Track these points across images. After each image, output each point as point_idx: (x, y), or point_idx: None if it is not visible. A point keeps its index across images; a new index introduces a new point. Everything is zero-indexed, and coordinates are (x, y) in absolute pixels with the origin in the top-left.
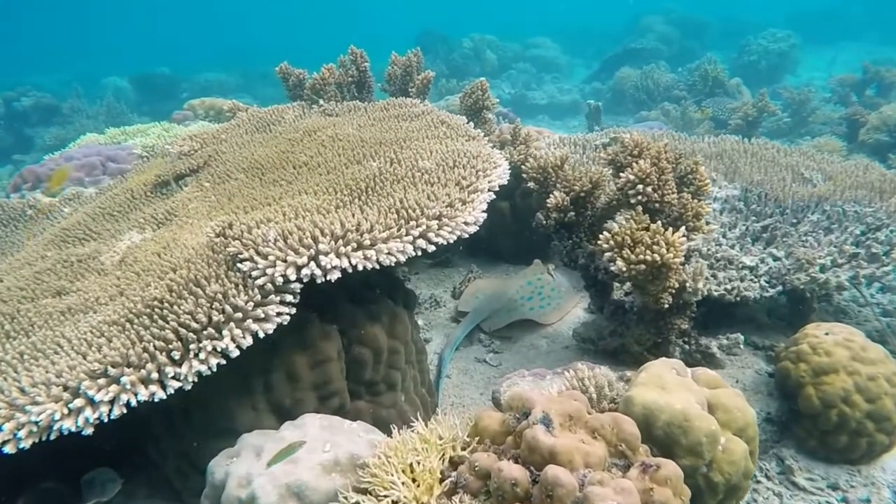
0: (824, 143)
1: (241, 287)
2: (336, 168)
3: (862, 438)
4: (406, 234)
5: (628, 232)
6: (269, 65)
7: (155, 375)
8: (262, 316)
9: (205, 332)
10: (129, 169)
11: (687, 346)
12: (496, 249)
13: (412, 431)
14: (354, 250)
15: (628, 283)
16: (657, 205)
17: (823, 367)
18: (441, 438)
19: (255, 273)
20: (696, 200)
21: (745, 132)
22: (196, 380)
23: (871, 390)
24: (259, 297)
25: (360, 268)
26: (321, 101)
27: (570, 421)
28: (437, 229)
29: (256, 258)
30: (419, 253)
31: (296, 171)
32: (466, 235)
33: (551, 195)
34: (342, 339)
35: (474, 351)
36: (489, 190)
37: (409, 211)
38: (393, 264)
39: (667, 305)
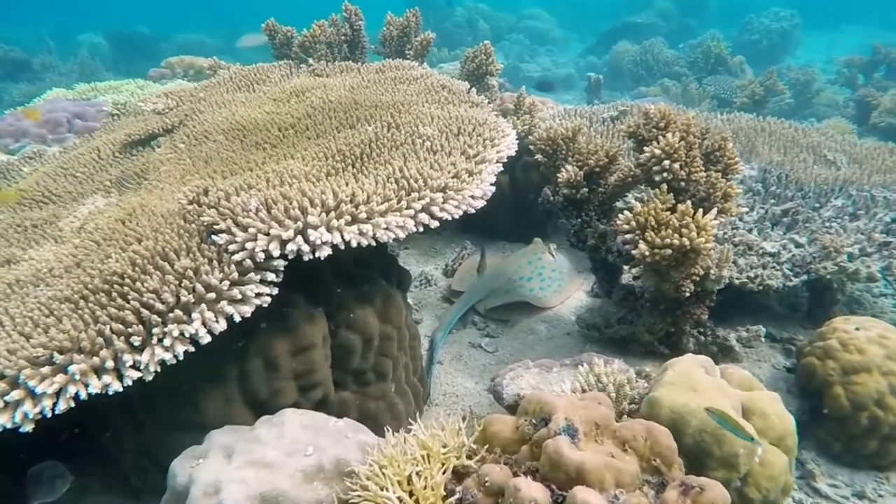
0: (834, 125)
1: (215, 263)
2: (327, 132)
3: (894, 444)
4: (407, 208)
5: (653, 213)
6: (254, 27)
7: (110, 364)
8: (239, 297)
9: (171, 315)
10: (98, 127)
11: (703, 338)
12: (492, 225)
13: (411, 436)
14: (348, 224)
15: (637, 268)
16: (682, 183)
17: (854, 365)
18: (445, 447)
19: (232, 247)
20: (724, 180)
21: (751, 112)
22: (159, 369)
23: None
24: (236, 274)
25: (354, 244)
26: (310, 61)
27: (597, 430)
28: (442, 203)
29: (235, 230)
30: (420, 228)
31: (281, 133)
32: (473, 210)
33: (562, 169)
34: (328, 322)
35: (468, 335)
36: (498, 161)
37: (411, 181)
38: (391, 240)
39: (688, 294)
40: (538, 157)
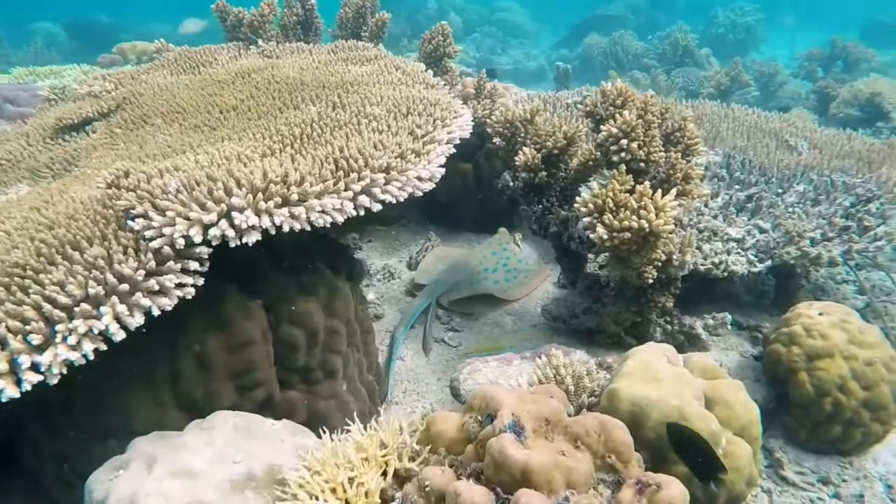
0: (797, 116)
1: (130, 251)
2: (269, 113)
3: (857, 429)
4: (345, 189)
5: (610, 194)
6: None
7: (4, 367)
8: (157, 288)
9: (78, 309)
10: (34, 113)
11: (669, 327)
12: (457, 216)
13: (347, 437)
14: (278, 207)
15: (604, 255)
16: (642, 164)
17: (818, 350)
18: (384, 447)
19: (149, 233)
20: (685, 160)
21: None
22: (64, 371)
23: (867, 377)
24: (153, 263)
25: (286, 228)
26: (260, 42)
27: (547, 426)
28: (384, 184)
29: (151, 214)
30: (361, 212)
31: (222, 115)
32: (420, 193)
33: (520, 152)
34: (269, 316)
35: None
36: (449, 142)
37: (350, 161)
38: (328, 225)
39: (651, 280)
40: (496, 140)
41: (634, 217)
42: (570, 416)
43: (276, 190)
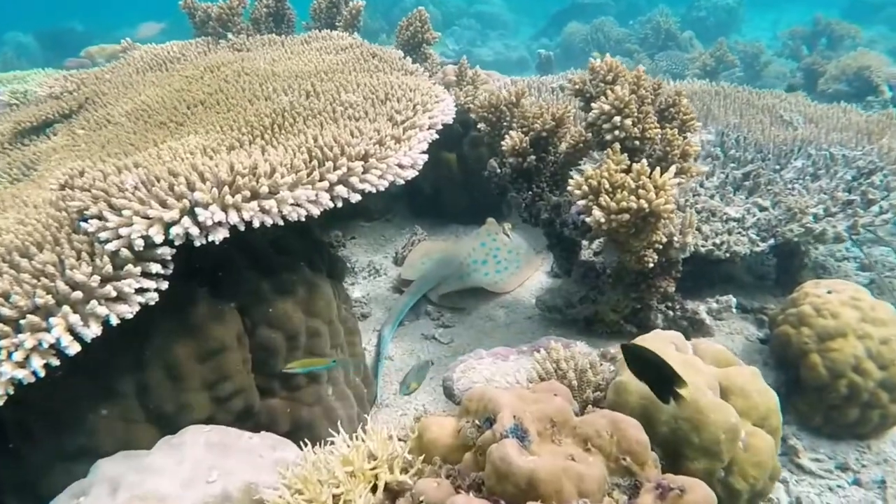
0: (793, 96)
1: (85, 255)
2: (238, 105)
3: (874, 411)
4: (320, 180)
5: (606, 175)
6: None
7: None
8: (115, 294)
9: (24, 322)
10: None
11: (671, 313)
12: (443, 208)
13: (332, 449)
14: (247, 200)
15: (597, 241)
16: (637, 142)
17: (830, 330)
18: (373, 458)
19: (104, 235)
20: (681, 137)
21: None
22: (11, 391)
23: (883, 356)
24: (110, 268)
25: (257, 224)
26: (230, 35)
27: (553, 428)
28: (363, 173)
29: (107, 214)
30: (339, 204)
31: (189, 111)
32: (402, 181)
33: (507, 137)
34: (244, 319)
35: (421, 326)
36: (430, 127)
37: (325, 150)
38: (302, 219)
39: (651, 265)
40: (481, 126)
41: (633, 197)
42: (576, 414)
43: (243, 183)
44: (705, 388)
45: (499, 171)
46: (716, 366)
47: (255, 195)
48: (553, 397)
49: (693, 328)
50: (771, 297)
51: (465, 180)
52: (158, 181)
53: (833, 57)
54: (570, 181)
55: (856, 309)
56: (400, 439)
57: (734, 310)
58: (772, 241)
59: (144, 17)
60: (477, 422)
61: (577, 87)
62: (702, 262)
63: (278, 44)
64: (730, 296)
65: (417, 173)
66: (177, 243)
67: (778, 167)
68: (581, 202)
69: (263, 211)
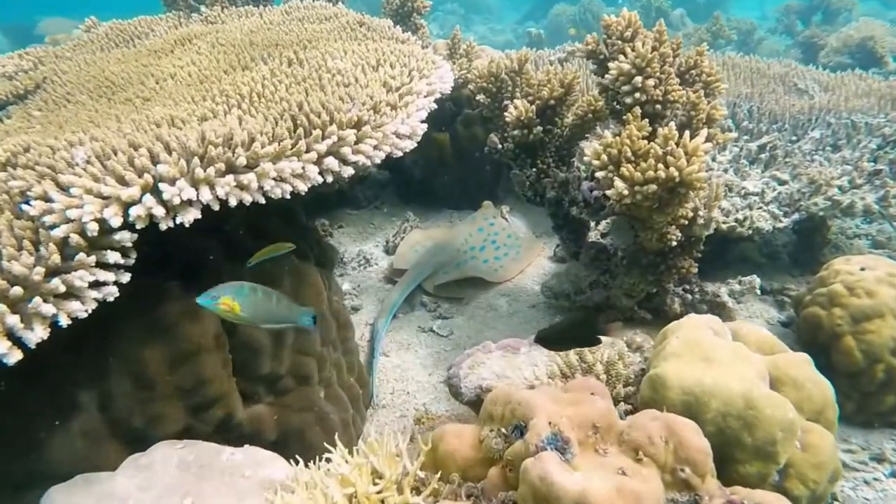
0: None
1: (27, 244)
2: (212, 77)
3: None
4: (307, 151)
5: (628, 141)
6: None
7: None
8: (63, 290)
9: None
10: None
11: (689, 296)
12: (435, 192)
13: (328, 466)
14: (221, 175)
15: (605, 222)
16: (658, 106)
17: (866, 311)
18: (379, 477)
19: (49, 218)
20: (707, 100)
21: None
22: None
23: None
24: (57, 258)
25: (234, 202)
26: (203, 8)
27: (596, 435)
28: (356, 143)
29: (52, 194)
30: (328, 178)
31: (158, 85)
32: (399, 153)
33: (511, 107)
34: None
35: (417, 318)
36: (429, 94)
37: (312, 117)
38: (286, 196)
39: (675, 243)
40: (479, 97)
41: (661, 166)
42: None
43: (217, 154)
44: (756, 380)
45: (500, 146)
46: (760, 353)
47: (230, 168)
48: (592, 398)
49: (714, 312)
50: (789, 277)
51: (458, 162)
52: (116, 153)
53: (830, 31)
54: (587, 151)
55: (893, 287)
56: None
57: (758, 291)
58: (796, 216)
59: (120, 11)
60: (503, 430)
61: (589, 47)
62: (719, 241)
63: (256, 15)
64: (753, 276)
65: (416, 144)
66: (139, 227)
67: (794, 138)
68: (600, 173)
69: (241, 187)
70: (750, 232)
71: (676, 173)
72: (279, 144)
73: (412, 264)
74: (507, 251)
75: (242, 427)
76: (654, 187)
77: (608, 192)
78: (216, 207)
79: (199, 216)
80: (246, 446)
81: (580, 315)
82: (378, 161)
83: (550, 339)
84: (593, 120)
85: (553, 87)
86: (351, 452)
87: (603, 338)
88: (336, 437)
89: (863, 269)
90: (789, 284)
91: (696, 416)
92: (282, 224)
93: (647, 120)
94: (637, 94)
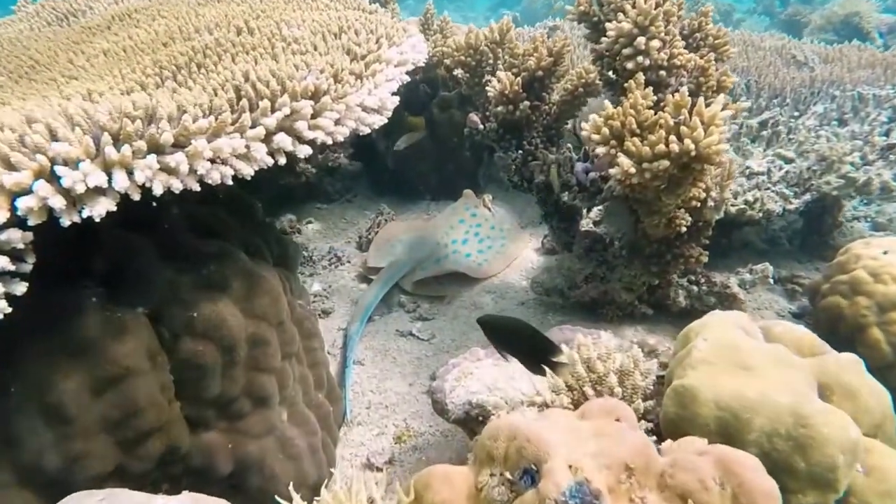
0: None
1: None
2: (147, 50)
3: None
4: (253, 126)
5: (632, 112)
6: None
7: None
8: None
9: None
10: None
11: (695, 288)
12: (411, 182)
13: None
14: (140, 156)
15: (597, 209)
16: (662, 73)
17: (893, 299)
18: None
19: None
20: (715, 65)
21: None
22: None
23: None
24: None
25: (159, 190)
26: None
27: (630, 480)
28: (313, 117)
29: None
30: (281, 160)
31: (88, 62)
32: (367, 129)
33: (493, 80)
34: (159, 329)
35: (394, 321)
36: (400, 64)
37: (260, 86)
38: (229, 181)
39: (684, 229)
40: (457, 72)
41: (673, 138)
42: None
43: (135, 129)
44: (807, 390)
45: (481, 126)
46: (799, 355)
47: (154, 148)
48: (618, 427)
49: (723, 304)
50: (796, 264)
51: (435, 148)
52: (3, 130)
53: (809, 11)
54: (584, 124)
55: None
56: (377, 469)
57: (771, 280)
58: (807, 197)
59: None
60: (508, 475)
61: (581, 8)
62: (721, 225)
63: None
64: (766, 264)
65: (387, 120)
66: (32, 222)
67: (797, 113)
68: (601, 149)
69: (168, 171)
70: (760, 215)
71: (692, 146)
72: (217, 118)
73: (388, 261)
74: (491, 243)
75: (190, 459)
76: (665, 163)
77: (612, 171)
78: (136, 196)
79: (114, 208)
80: (184, 494)
81: (541, 338)
82: (341, 138)
83: (494, 329)
84: (585, 95)
85: (541, 55)
86: (317, 490)
87: (608, 336)
88: (303, 464)
89: (885, 253)
90: (798, 271)
91: (735, 438)
92: (233, 218)
93: (650, 88)
94: (639, 59)
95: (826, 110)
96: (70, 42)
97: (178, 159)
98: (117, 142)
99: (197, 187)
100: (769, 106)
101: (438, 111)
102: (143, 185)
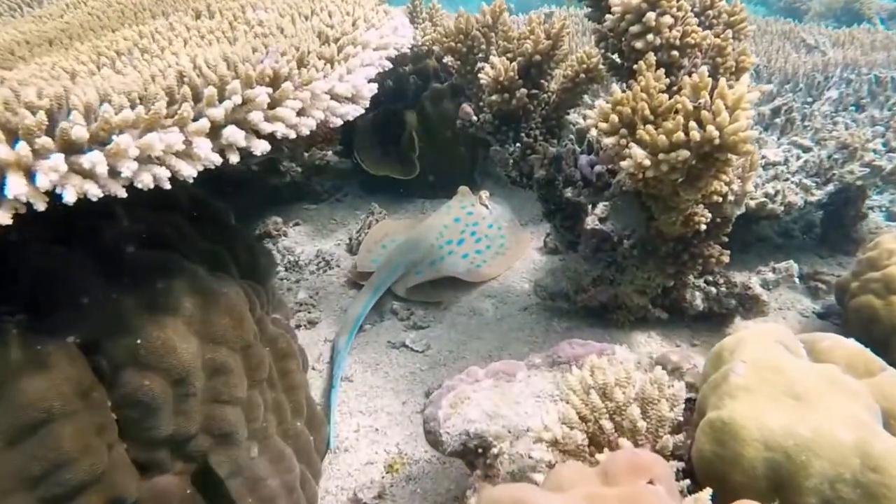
0: None
1: None
2: (92, 36)
3: None
4: (195, 118)
5: (644, 96)
6: None
7: None
8: None
9: None
10: None
11: (713, 290)
12: (403, 179)
13: None
14: (43, 155)
15: (602, 205)
16: (674, 53)
17: None
18: None
19: None
20: (734, 44)
21: None
22: None
23: None
24: None
25: (71, 197)
26: None
27: None
28: (270, 106)
29: None
30: (232, 158)
31: (30, 52)
32: (339, 121)
33: (486, 67)
34: (95, 360)
35: (386, 330)
36: (379, 48)
37: (207, 70)
38: (165, 185)
39: (704, 226)
40: (447, 60)
41: (693, 124)
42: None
43: (36, 123)
44: (872, 422)
45: (475, 118)
46: (853, 374)
47: (65, 145)
48: (652, 493)
49: (744, 307)
50: (817, 259)
51: (428, 143)
52: None
53: None
54: (590, 113)
55: None
56: None
57: (797, 280)
58: (830, 188)
59: None
60: None
61: None
62: (739, 220)
63: None
64: (790, 262)
65: (364, 111)
66: None
67: (810, 99)
68: (609, 140)
69: (82, 173)
70: (782, 208)
71: (716, 133)
72: (151, 109)
73: (379, 265)
74: (489, 243)
75: None
76: (684, 154)
77: (622, 165)
78: (40, 206)
79: (8, 221)
80: None
81: None
82: (306, 132)
83: None
84: (587, 81)
85: (538, 38)
86: None
87: (623, 351)
88: None
89: None
90: (821, 267)
91: (789, 484)
92: (194, 226)
93: (662, 70)
94: (649, 37)
95: (841, 95)
96: (16, 31)
97: (93, 159)
98: (14, 139)
99: (122, 193)
100: (781, 92)
101: (430, 104)
102: (50, 191)
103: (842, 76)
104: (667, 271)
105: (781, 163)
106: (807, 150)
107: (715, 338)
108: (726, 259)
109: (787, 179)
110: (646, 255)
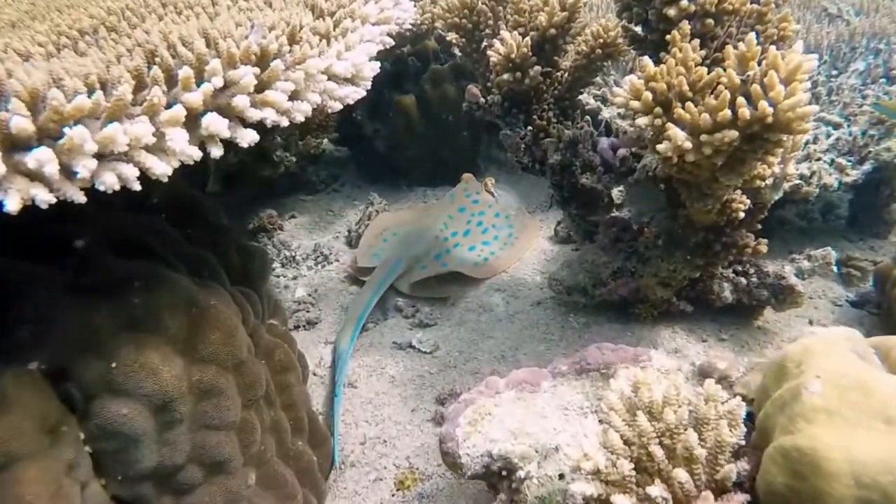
0: None
1: None
2: (55, 16)
3: None
4: (168, 105)
5: (681, 69)
6: None
7: None
8: None
9: None
10: None
11: (743, 280)
12: (404, 167)
13: None
14: None
15: (616, 191)
16: (709, 21)
17: None
18: None
19: None
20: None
21: None
22: None
23: None
24: None
25: (14, 205)
26: None
27: None
28: (258, 89)
29: None
30: (215, 151)
31: None
32: (338, 105)
33: (496, 42)
34: (65, 388)
35: (391, 329)
36: (380, 23)
37: (181, 49)
38: (134, 186)
39: (742, 214)
40: (450, 36)
41: (741, 101)
42: None
43: None
44: None
45: (482, 99)
46: None
47: (4, 141)
48: None
49: (777, 298)
50: (846, 243)
51: (428, 128)
52: None
53: None
54: (618, 90)
55: None
56: None
57: (834, 268)
58: (867, 167)
59: None
60: None
61: None
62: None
63: None
64: (827, 249)
65: (365, 93)
66: None
67: (836, 72)
68: (643, 120)
69: (24, 173)
70: (818, 190)
71: (770, 110)
72: (115, 97)
73: (381, 260)
74: (496, 234)
75: None
76: (732, 134)
77: (659, 148)
78: None
79: None
80: None
81: None
82: (300, 118)
83: None
84: (603, 57)
85: (552, 10)
86: None
87: (660, 356)
88: None
89: None
90: (852, 252)
91: None
92: (175, 226)
93: (697, 41)
94: (683, 3)
95: (868, 66)
96: None
97: (40, 157)
98: None
99: (81, 198)
100: None
101: (430, 87)
102: None
103: (868, 46)
104: (696, 263)
105: (811, 141)
106: (836, 126)
107: (744, 332)
108: (764, 249)
109: (818, 159)
110: (672, 245)
